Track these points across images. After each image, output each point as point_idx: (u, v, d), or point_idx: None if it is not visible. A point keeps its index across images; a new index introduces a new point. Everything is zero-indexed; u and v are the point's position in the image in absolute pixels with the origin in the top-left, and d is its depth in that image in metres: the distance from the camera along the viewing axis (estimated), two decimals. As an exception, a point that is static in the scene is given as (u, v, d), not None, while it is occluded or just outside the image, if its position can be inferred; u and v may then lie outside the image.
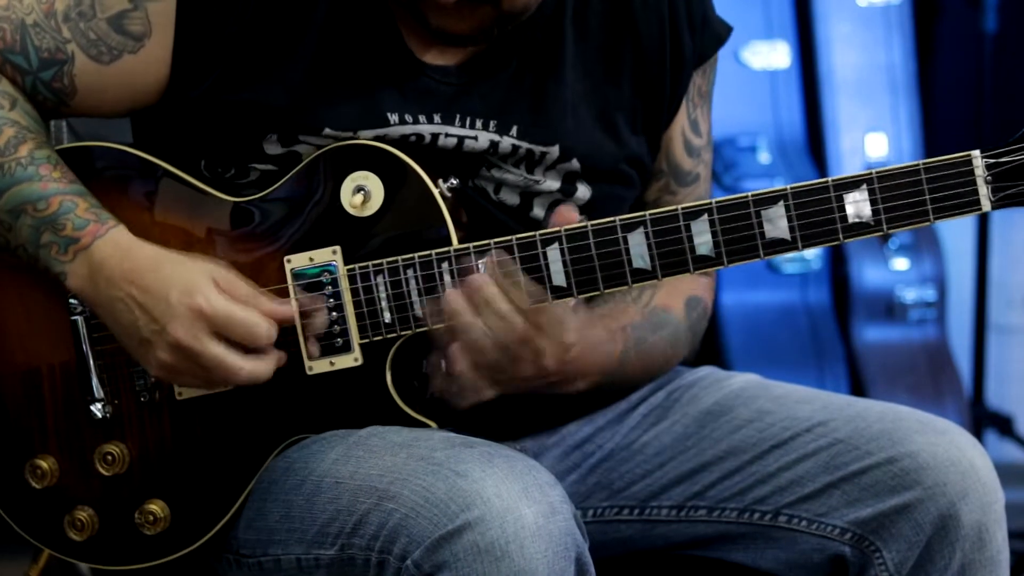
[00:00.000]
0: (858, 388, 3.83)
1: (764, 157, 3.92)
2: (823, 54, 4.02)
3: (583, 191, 1.89)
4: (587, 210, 1.89)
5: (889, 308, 3.88)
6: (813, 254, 3.88)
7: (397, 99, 1.82)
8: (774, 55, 4.01)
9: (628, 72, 1.91)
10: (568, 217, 1.75)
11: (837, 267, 3.91)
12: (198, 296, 1.70)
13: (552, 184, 1.88)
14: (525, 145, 1.85)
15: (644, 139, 1.93)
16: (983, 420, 3.94)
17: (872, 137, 4.01)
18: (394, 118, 1.82)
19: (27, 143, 1.78)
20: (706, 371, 2.01)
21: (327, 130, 1.80)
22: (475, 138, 1.84)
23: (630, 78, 1.91)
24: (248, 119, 1.81)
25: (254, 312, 1.72)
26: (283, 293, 1.79)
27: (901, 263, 3.88)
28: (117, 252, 1.74)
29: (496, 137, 1.84)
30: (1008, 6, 3.88)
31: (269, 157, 1.82)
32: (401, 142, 1.81)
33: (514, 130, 1.85)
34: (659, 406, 1.97)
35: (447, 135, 1.83)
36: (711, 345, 3.89)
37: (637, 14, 1.90)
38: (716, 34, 1.96)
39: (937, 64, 4.21)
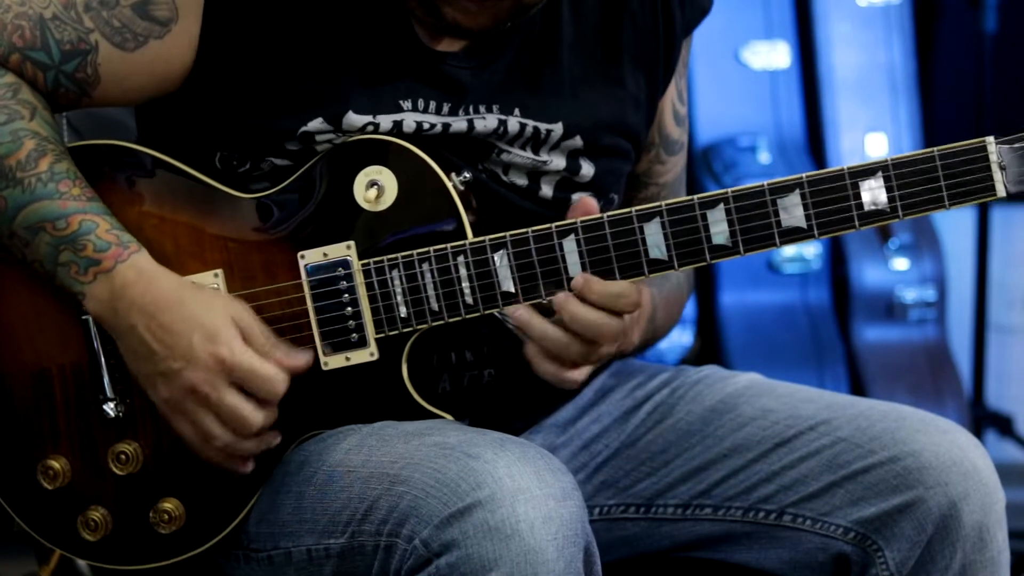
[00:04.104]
0: (858, 388, 3.83)
1: (764, 157, 3.92)
2: (823, 54, 4.03)
3: (587, 168, 1.90)
4: (590, 187, 1.91)
5: (889, 308, 3.88)
6: (813, 254, 3.88)
7: (409, 86, 1.83)
8: (774, 55, 4.01)
9: (627, 49, 1.92)
10: (589, 206, 1.76)
11: (837, 267, 3.91)
12: (222, 345, 1.71)
13: (558, 163, 1.89)
14: (531, 123, 1.86)
15: (644, 113, 1.95)
16: (983, 420, 3.95)
17: (872, 137, 4.02)
18: (406, 104, 1.82)
19: (47, 156, 1.76)
20: (710, 370, 2.02)
21: (350, 113, 1.80)
22: (483, 118, 1.85)
23: (630, 55, 1.93)
24: (271, 103, 1.80)
25: (273, 366, 1.72)
26: (297, 289, 1.79)
27: (901, 263, 3.88)
28: (140, 280, 1.73)
29: (503, 116, 1.86)
30: (1008, 6, 3.89)
31: (286, 151, 1.82)
32: (416, 134, 1.82)
33: (517, 111, 1.86)
34: (663, 403, 1.98)
35: (457, 120, 1.84)
36: (711, 345, 3.90)
37: None
38: (701, 5, 1.99)
39: (937, 64, 4.21)
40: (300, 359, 1.76)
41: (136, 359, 1.75)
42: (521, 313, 1.75)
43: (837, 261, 3.91)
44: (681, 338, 3.98)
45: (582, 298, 1.74)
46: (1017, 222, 4.26)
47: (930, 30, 4.20)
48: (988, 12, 3.83)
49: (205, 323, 1.72)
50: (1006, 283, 4.25)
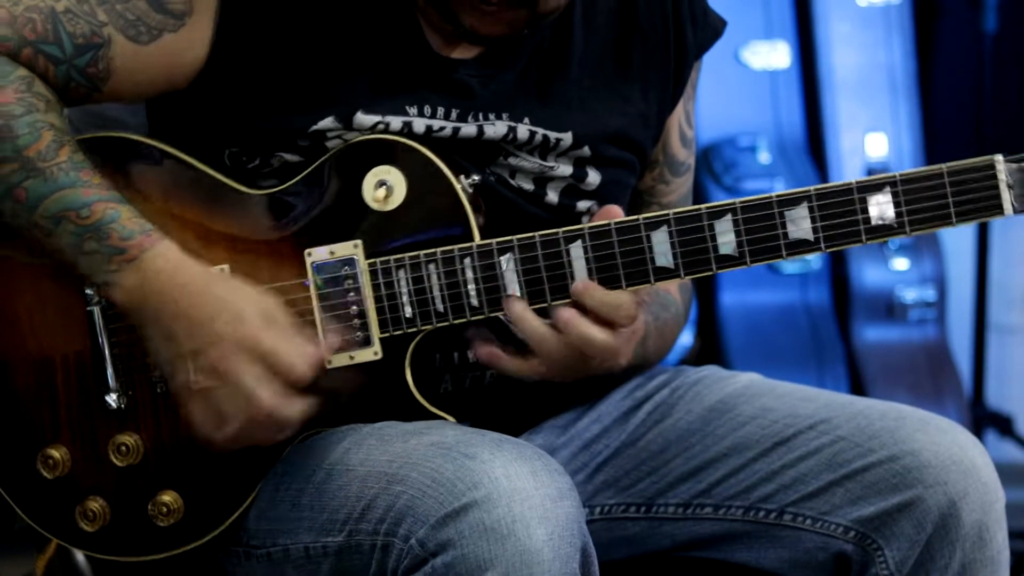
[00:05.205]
0: (858, 388, 3.83)
1: (764, 157, 3.92)
2: (823, 54, 4.03)
3: (593, 176, 1.91)
4: (596, 195, 1.91)
5: (889, 308, 3.89)
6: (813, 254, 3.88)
7: (418, 91, 1.83)
8: (774, 55, 4.01)
9: (637, 66, 1.93)
10: (613, 212, 1.76)
11: (837, 267, 3.91)
12: (246, 328, 1.69)
13: (565, 170, 1.89)
14: (540, 131, 1.87)
15: (652, 129, 1.96)
16: (983, 420, 3.95)
17: (872, 137, 4.02)
18: (412, 111, 1.82)
19: (65, 147, 1.75)
20: (710, 370, 2.02)
21: (359, 114, 1.80)
22: (493, 124, 1.85)
23: (639, 71, 1.93)
24: (283, 102, 1.80)
25: (296, 351, 1.70)
26: (303, 287, 1.79)
27: (901, 263, 3.88)
28: (168, 266, 1.72)
29: (512, 123, 1.86)
30: (1008, 6, 3.89)
31: (297, 147, 1.82)
32: (426, 135, 1.82)
33: (526, 120, 1.87)
34: (663, 403, 1.98)
35: (466, 126, 1.84)
36: (711, 345, 3.90)
37: (641, 10, 1.93)
38: (714, 27, 2.00)
39: (937, 64, 4.21)
40: (323, 351, 1.75)
41: (160, 343, 1.73)
42: (516, 308, 1.75)
43: (837, 261, 3.91)
44: (681, 338, 3.97)
45: (581, 304, 1.74)
46: (1017, 222, 4.26)
47: (930, 30, 4.20)
48: (988, 12, 3.83)
49: (230, 306, 1.71)
50: (1006, 283, 4.25)
